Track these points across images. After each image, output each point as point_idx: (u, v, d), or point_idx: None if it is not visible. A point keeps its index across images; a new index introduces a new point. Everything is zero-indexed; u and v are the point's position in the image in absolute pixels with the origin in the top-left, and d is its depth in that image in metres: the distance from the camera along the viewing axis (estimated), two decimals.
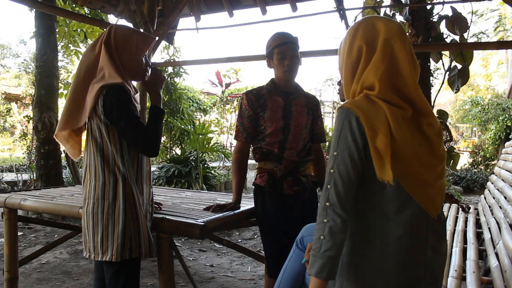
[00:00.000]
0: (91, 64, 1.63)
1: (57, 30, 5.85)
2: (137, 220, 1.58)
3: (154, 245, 1.69)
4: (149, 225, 1.68)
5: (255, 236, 4.41)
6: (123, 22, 4.17)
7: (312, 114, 2.09)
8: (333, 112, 17.04)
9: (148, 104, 2.05)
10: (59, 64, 6.50)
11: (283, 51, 1.94)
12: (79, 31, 6.60)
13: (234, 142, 2.22)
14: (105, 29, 1.68)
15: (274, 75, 2.05)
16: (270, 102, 1.99)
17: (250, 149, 2.09)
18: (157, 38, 3.40)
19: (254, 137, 2.02)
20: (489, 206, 3.22)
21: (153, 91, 1.70)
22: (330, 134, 12.13)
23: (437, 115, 1.19)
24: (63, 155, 5.56)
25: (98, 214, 1.55)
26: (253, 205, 2.07)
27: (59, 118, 5.78)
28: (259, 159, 2.03)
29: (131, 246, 1.57)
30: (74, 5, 5.99)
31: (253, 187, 2.07)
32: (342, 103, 1.15)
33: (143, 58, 1.69)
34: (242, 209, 2.05)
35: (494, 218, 2.76)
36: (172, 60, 8.49)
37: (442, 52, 3.40)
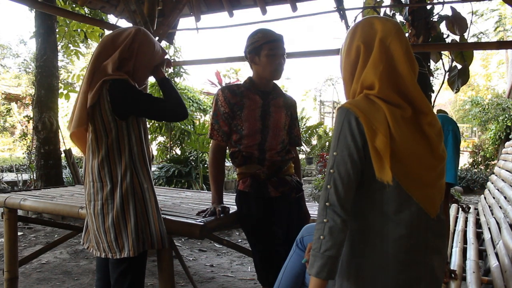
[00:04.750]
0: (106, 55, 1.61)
1: (57, 30, 5.85)
2: (146, 213, 1.59)
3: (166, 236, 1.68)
4: (160, 216, 1.69)
5: None
6: (123, 22, 4.17)
7: (290, 115, 2.00)
8: (333, 112, 17.05)
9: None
10: (59, 64, 6.51)
11: (274, 48, 1.81)
12: (79, 31, 6.60)
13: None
14: (130, 27, 1.67)
15: (254, 73, 1.92)
16: (248, 101, 1.87)
17: (227, 152, 1.97)
18: (157, 38, 3.41)
19: (230, 136, 1.90)
20: (489, 206, 3.23)
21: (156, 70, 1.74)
22: (331, 134, 12.14)
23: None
24: (63, 155, 5.57)
25: (109, 213, 1.55)
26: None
27: (59, 118, 5.75)
28: (239, 164, 1.90)
29: (144, 239, 1.58)
30: (74, 5, 5.99)
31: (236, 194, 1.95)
32: (342, 103, 1.15)
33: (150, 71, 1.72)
34: None
35: (494, 218, 2.76)
36: (172, 60, 8.49)
37: (442, 52, 3.40)
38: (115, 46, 1.60)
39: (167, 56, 1.81)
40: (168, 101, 1.62)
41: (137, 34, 1.62)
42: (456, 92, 3.49)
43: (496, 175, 3.65)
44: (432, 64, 3.81)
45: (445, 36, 3.40)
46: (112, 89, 1.53)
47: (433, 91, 2.69)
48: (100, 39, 1.66)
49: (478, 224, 2.98)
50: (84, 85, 1.58)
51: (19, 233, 3.93)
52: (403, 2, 3.59)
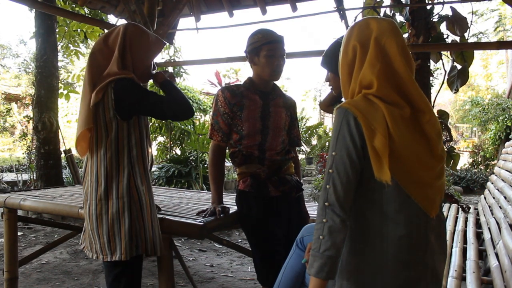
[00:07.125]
0: (105, 60, 1.60)
1: (57, 30, 5.85)
2: (142, 216, 1.57)
3: (160, 243, 1.67)
4: (156, 221, 1.67)
5: None
6: (123, 22, 4.17)
7: (290, 115, 2.01)
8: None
9: None
10: (59, 64, 6.50)
11: (274, 49, 1.82)
12: (79, 31, 6.60)
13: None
14: (119, 25, 1.67)
15: (254, 73, 1.93)
16: (248, 101, 1.87)
17: (227, 152, 1.97)
18: None
19: (230, 137, 1.90)
20: (489, 206, 3.22)
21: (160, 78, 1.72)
22: (330, 134, 12.14)
23: (437, 115, 1.19)
24: (63, 155, 5.57)
25: (103, 215, 1.54)
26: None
27: (59, 118, 5.75)
28: (239, 163, 1.90)
29: (137, 243, 1.56)
30: (74, 5, 5.99)
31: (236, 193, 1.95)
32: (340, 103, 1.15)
33: (153, 62, 1.70)
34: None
35: (494, 218, 2.76)
36: (172, 60, 8.48)
37: (442, 52, 3.40)
38: (109, 47, 1.61)
39: (168, 57, 1.79)
40: (173, 98, 1.58)
41: (126, 29, 1.62)
42: (455, 93, 3.49)
43: (496, 175, 3.64)
44: (432, 64, 3.82)
45: (445, 36, 3.40)
46: (117, 87, 1.53)
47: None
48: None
49: (478, 224, 2.98)
50: (86, 88, 1.58)
51: (19, 233, 3.92)
52: (403, 2, 3.59)
